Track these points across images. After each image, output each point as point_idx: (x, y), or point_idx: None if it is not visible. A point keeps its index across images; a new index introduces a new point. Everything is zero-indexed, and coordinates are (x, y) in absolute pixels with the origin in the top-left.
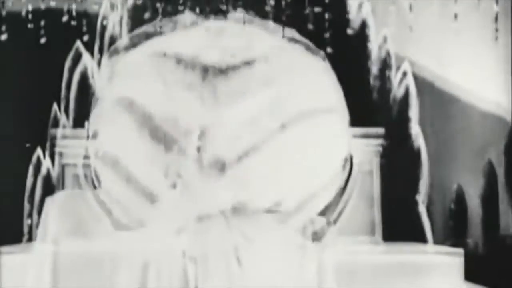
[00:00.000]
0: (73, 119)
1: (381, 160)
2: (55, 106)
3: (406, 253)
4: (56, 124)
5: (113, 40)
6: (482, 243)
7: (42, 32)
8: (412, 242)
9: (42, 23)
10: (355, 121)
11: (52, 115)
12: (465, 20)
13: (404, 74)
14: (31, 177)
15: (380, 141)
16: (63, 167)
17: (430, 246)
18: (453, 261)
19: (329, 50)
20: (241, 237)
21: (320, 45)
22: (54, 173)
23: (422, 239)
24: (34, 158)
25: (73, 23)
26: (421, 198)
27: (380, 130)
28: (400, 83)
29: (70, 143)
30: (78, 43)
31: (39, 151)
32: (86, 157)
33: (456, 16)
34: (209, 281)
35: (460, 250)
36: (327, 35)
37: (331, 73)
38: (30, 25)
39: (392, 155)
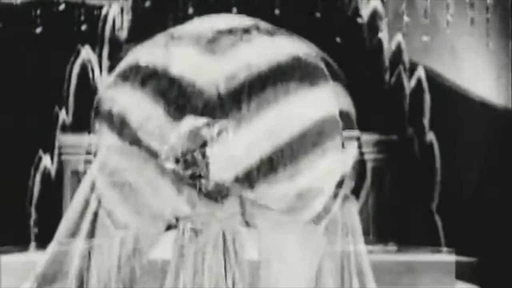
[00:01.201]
0: (72, 114)
1: (393, 166)
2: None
3: (399, 253)
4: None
5: (113, 31)
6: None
7: (38, 21)
8: (407, 244)
9: (38, 12)
10: (360, 117)
11: (54, 116)
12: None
13: (414, 68)
14: (38, 185)
15: (391, 147)
16: (62, 163)
17: (424, 247)
18: (445, 261)
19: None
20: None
21: (327, 35)
22: (53, 170)
23: (419, 240)
24: (37, 161)
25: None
26: (432, 202)
27: (393, 137)
28: (410, 78)
29: (69, 139)
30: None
31: (41, 153)
32: (87, 152)
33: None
34: (204, 255)
35: (451, 250)
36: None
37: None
38: (23, 15)
39: (404, 158)
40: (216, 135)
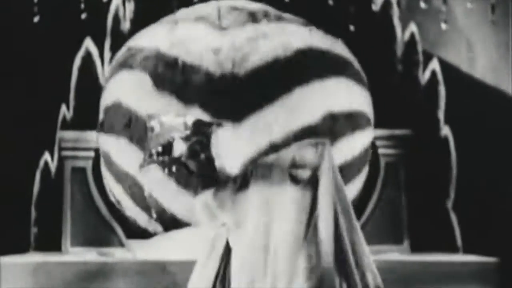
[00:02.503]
0: (73, 109)
1: (407, 161)
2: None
3: (413, 253)
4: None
5: (116, 21)
6: None
7: (36, 10)
8: (441, 251)
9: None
10: (376, 109)
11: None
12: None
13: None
14: (38, 183)
15: (405, 142)
16: (62, 159)
17: (461, 255)
18: (461, 261)
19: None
20: None
21: (341, 23)
22: (53, 167)
23: (452, 247)
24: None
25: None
26: (451, 203)
27: (408, 131)
28: (425, 69)
29: (70, 134)
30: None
31: (46, 155)
32: (87, 148)
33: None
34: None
35: (495, 260)
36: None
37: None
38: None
39: (418, 153)
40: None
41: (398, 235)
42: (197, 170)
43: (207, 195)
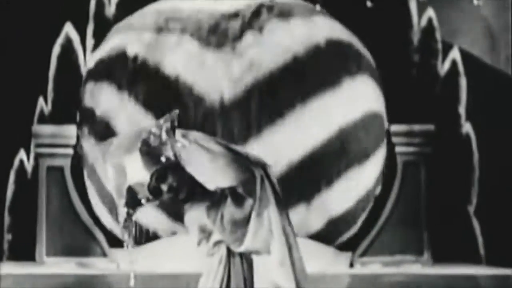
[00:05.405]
0: (52, 102)
1: (427, 160)
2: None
3: (435, 265)
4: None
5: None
6: None
7: None
8: (463, 261)
9: None
10: (390, 104)
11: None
12: None
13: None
14: (12, 184)
15: (425, 139)
16: (37, 157)
17: (486, 268)
18: (484, 275)
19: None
20: None
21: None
22: (29, 166)
23: (474, 256)
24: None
25: None
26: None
27: (429, 127)
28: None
29: (45, 129)
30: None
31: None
32: (66, 145)
33: None
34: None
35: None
36: None
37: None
38: None
39: (437, 153)
40: (167, 134)
41: (418, 245)
42: (173, 201)
43: (199, 214)
